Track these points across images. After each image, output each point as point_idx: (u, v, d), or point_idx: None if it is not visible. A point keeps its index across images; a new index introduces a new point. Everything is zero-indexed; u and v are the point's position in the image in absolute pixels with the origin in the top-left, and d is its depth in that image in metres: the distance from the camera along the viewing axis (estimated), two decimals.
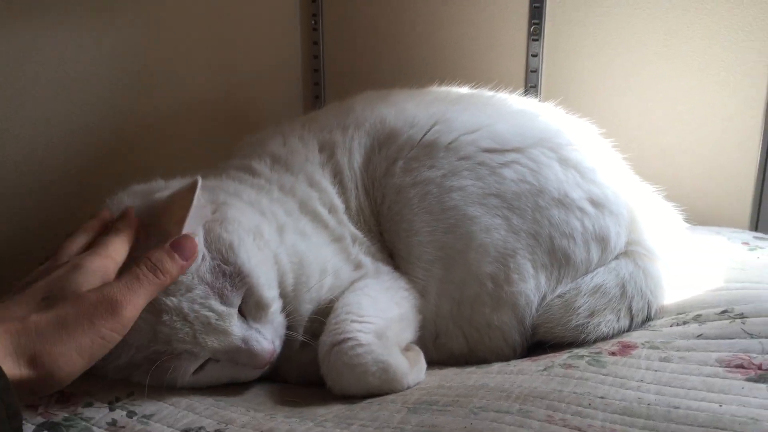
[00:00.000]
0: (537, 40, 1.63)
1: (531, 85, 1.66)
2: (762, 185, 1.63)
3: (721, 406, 0.81)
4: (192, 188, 0.87)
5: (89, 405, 0.84)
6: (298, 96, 1.89)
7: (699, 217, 1.52)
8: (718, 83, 1.49)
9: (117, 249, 0.82)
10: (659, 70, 1.53)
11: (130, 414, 0.83)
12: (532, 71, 1.65)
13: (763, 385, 0.85)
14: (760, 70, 1.46)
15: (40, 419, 0.80)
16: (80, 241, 0.85)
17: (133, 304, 0.76)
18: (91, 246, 0.83)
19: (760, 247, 1.28)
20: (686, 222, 1.39)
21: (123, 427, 0.80)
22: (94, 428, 0.80)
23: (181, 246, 0.82)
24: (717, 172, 1.54)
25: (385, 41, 1.79)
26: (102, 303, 0.74)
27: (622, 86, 1.58)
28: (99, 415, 0.82)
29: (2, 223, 1.19)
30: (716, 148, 1.53)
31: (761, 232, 1.57)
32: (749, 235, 1.35)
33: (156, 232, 0.85)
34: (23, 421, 0.78)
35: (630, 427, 0.78)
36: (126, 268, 0.80)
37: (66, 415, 0.82)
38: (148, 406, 0.85)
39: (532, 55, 1.64)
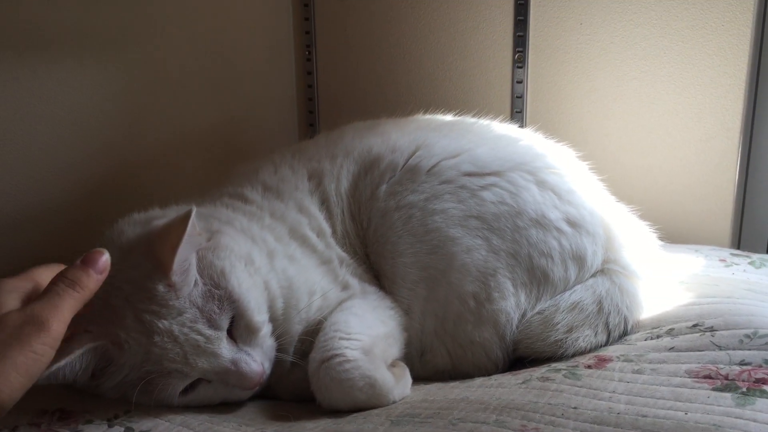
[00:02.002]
0: (521, 67, 1.69)
1: (516, 110, 1.72)
2: (743, 203, 1.68)
3: (686, 414, 0.86)
4: (186, 218, 0.92)
5: (89, 422, 0.89)
6: (293, 124, 1.95)
7: (680, 236, 1.57)
8: (695, 106, 1.55)
9: (40, 273, 0.85)
10: (638, 94, 1.59)
11: (128, 430, 0.88)
12: (517, 97, 1.71)
13: (728, 394, 0.90)
14: (735, 93, 1.52)
15: None
16: None
17: (58, 318, 0.78)
18: None
19: (736, 264, 1.33)
20: (667, 240, 1.44)
21: None
22: None
23: (93, 260, 0.84)
24: (696, 192, 1.59)
25: (376, 71, 1.85)
26: (28, 321, 0.76)
27: (603, 110, 1.63)
28: (98, 431, 0.87)
29: (7, 248, 1.24)
30: (695, 168, 1.58)
31: (743, 249, 1.62)
32: (726, 253, 1.39)
33: (151, 258, 0.90)
34: None
35: None
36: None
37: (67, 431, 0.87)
38: (145, 423, 0.89)
39: (517, 81, 1.70)
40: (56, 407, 0.92)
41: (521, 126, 1.60)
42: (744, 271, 1.29)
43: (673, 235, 1.58)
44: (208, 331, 0.91)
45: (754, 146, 1.63)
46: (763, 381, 0.92)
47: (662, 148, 1.60)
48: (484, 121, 1.31)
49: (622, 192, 1.35)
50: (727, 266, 1.32)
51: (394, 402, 0.98)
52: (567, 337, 1.08)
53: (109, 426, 0.88)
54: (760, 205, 1.65)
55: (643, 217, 1.32)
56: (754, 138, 1.63)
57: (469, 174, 1.15)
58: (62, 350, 0.81)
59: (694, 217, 1.60)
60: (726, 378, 0.94)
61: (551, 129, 1.48)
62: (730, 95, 1.52)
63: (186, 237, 0.90)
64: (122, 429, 0.88)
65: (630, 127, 1.62)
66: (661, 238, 1.48)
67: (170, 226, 0.92)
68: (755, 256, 1.36)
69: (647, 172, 1.62)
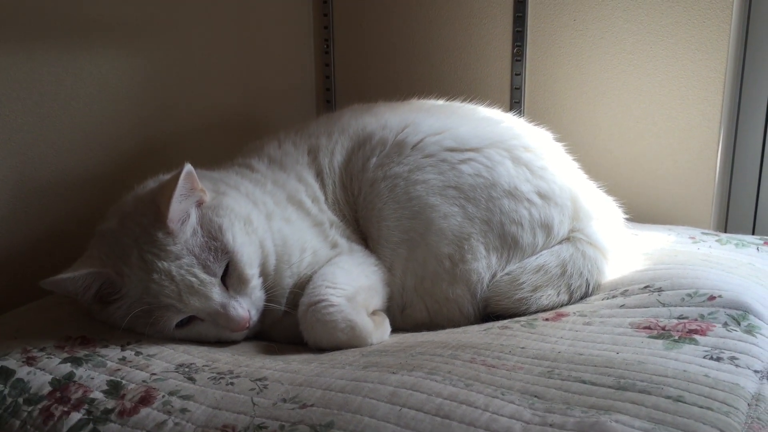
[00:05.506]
0: (520, 60, 1.81)
1: (515, 100, 1.84)
2: (729, 189, 1.78)
3: (618, 353, 0.98)
4: (178, 174, 1.05)
5: (105, 346, 1.04)
6: (312, 110, 2.10)
7: (664, 218, 1.68)
8: (679, 97, 1.65)
9: None
10: (626, 86, 1.70)
11: (137, 353, 1.03)
12: (515, 88, 1.83)
13: (660, 341, 1.01)
14: (716, 86, 1.62)
15: (65, 355, 1.01)
16: None
17: None
18: None
19: (704, 241, 1.42)
20: (651, 222, 1.55)
21: (130, 361, 1.00)
22: (108, 362, 1.00)
23: None
24: (680, 177, 1.69)
25: (388, 63, 1.99)
26: None
27: (594, 100, 1.75)
28: (113, 353, 1.03)
29: (49, 210, 1.40)
30: (678, 155, 1.68)
31: (730, 232, 1.71)
32: (698, 231, 1.49)
33: (154, 207, 1.06)
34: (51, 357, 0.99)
35: (536, 367, 0.95)
36: None
37: (86, 352, 1.02)
38: (153, 349, 1.04)
39: (516, 74, 1.83)
40: (79, 334, 1.07)
41: (519, 115, 1.72)
42: (709, 247, 1.39)
43: (657, 217, 1.69)
44: (203, 275, 1.05)
45: (740, 136, 1.73)
46: (695, 331, 1.03)
47: (648, 137, 1.71)
48: (471, 105, 1.44)
49: (610, 176, 1.45)
50: (695, 242, 1.42)
51: (372, 344, 1.11)
52: (531, 296, 1.20)
53: (122, 349, 1.04)
54: (745, 191, 1.74)
55: (629, 200, 1.43)
56: (740, 128, 1.73)
57: (451, 149, 1.27)
58: (72, 267, 0.98)
59: (678, 200, 1.71)
60: (663, 329, 1.05)
61: (547, 118, 1.60)
62: (711, 87, 1.62)
63: (178, 190, 1.04)
64: (132, 352, 1.03)
65: (619, 117, 1.73)
66: (645, 220, 1.60)
67: (168, 181, 1.07)
68: (724, 236, 1.45)
69: (634, 159, 1.73)
